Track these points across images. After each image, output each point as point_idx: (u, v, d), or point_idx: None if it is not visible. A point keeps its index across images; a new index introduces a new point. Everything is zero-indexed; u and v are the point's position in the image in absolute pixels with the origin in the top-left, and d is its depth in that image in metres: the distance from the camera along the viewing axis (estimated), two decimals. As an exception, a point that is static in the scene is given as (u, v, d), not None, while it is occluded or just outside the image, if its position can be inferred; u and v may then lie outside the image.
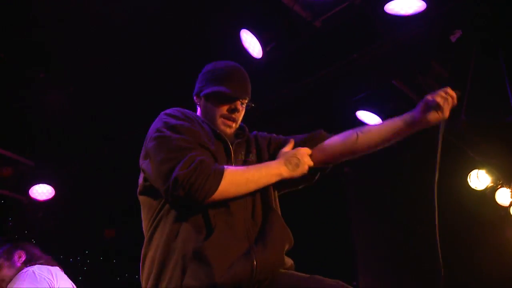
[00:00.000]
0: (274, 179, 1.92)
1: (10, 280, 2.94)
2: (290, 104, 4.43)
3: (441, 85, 4.27)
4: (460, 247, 4.85)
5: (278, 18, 3.85)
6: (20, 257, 3.06)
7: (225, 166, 1.83)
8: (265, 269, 1.79)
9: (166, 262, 1.79)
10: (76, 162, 5.37)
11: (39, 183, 5.33)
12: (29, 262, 3.01)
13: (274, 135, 2.25)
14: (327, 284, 1.78)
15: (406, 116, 2.08)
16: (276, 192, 2.07)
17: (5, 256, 3.06)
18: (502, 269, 4.68)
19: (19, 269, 2.96)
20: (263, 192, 1.95)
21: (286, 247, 1.93)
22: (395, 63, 4.07)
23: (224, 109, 2.04)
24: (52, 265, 3.03)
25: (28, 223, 5.52)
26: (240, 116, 2.09)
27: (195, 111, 2.16)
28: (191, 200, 1.74)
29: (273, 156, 2.08)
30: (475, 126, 3.46)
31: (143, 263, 1.90)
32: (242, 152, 2.06)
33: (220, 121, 2.04)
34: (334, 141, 2.15)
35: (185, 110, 2.04)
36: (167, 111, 2.01)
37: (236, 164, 1.97)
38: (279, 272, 1.86)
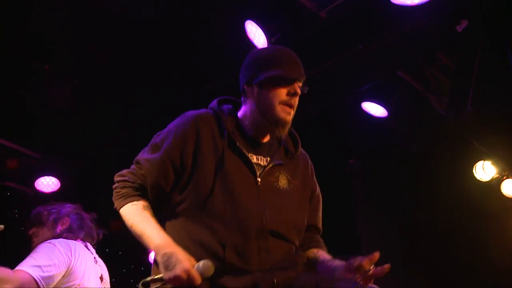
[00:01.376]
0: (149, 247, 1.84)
1: (44, 240, 2.95)
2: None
3: (447, 76, 4.27)
4: (465, 239, 4.84)
5: (283, 9, 3.83)
6: (63, 224, 3.08)
7: (132, 203, 1.88)
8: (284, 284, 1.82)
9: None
10: (81, 154, 5.38)
11: (44, 175, 5.36)
12: (68, 232, 3.02)
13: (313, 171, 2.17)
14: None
15: (336, 268, 1.96)
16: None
17: (55, 215, 3.09)
18: (507, 259, 4.67)
19: (59, 236, 2.98)
20: (288, 219, 1.95)
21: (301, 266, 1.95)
22: (400, 54, 4.04)
23: (282, 94, 1.91)
24: (84, 240, 3.06)
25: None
26: (297, 102, 1.96)
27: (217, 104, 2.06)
28: None
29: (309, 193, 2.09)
30: (481, 117, 3.44)
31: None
32: (276, 174, 1.97)
33: (279, 108, 1.91)
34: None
35: (203, 122, 1.94)
36: (179, 119, 1.98)
37: (263, 182, 1.91)
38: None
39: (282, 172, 1.98)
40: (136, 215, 1.86)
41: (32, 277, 2.63)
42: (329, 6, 3.76)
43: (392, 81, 4.48)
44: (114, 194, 1.95)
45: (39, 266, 2.67)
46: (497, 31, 3.49)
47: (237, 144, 1.91)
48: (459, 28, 3.49)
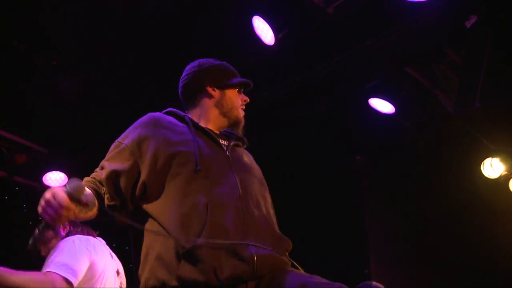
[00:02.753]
0: None
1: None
2: (302, 91, 4.41)
3: (455, 72, 4.25)
4: (473, 236, 4.82)
5: (290, 4, 3.82)
6: (64, 227, 3.09)
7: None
8: (265, 263, 1.80)
9: (158, 256, 1.82)
10: (89, 150, 5.40)
11: (52, 170, 5.38)
12: (74, 231, 3.04)
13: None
14: (328, 284, 1.76)
15: None
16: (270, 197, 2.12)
17: (51, 227, 3.10)
18: (515, 257, 4.66)
19: (63, 238, 2.99)
20: (258, 190, 2.02)
21: (285, 249, 1.95)
22: (408, 49, 4.03)
23: (241, 98, 2.26)
24: (92, 235, 3.08)
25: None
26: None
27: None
28: None
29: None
30: (489, 113, 3.42)
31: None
32: (240, 152, 2.15)
33: (240, 110, 2.23)
34: None
35: (158, 116, 2.10)
36: (139, 119, 2.11)
37: (232, 156, 2.05)
38: (280, 269, 1.86)
39: (242, 152, 2.18)
40: None
41: (62, 276, 2.64)
42: (337, 1, 3.75)
43: (399, 77, 4.46)
44: None
45: (65, 265, 2.68)
46: (506, 27, 3.46)
47: (200, 125, 2.10)
48: (467, 24, 3.47)
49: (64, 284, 2.64)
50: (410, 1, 3.52)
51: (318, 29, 3.91)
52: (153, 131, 1.99)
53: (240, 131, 2.22)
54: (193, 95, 2.23)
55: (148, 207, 1.91)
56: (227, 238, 1.79)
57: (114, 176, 1.94)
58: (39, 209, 1.76)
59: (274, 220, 2.07)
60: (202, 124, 2.13)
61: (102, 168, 1.98)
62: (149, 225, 1.90)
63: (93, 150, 5.37)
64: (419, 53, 4.06)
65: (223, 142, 2.10)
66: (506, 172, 4.95)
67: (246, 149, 2.27)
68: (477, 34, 3.49)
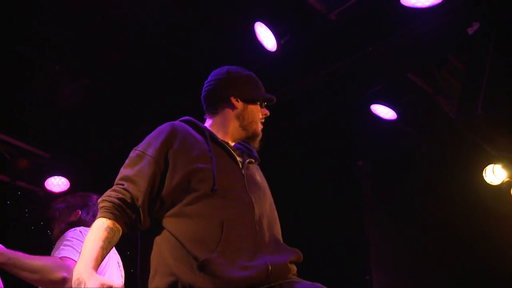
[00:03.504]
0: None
1: (60, 233, 2.99)
2: (304, 97, 4.41)
3: (457, 79, 4.24)
4: (475, 242, 4.80)
5: (293, 10, 3.83)
6: (75, 216, 3.11)
7: (103, 219, 1.84)
8: (278, 273, 1.84)
9: (168, 269, 1.81)
10: (91, 155, 5.40)
11: (54, 175, 5.39)
12: (77, 223, 3.05)
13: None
14: None
15: None
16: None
17: (64, 209, 3.13)
18: (517, 264, 4.64)
19: (69, 225, 3.01)
20: (269, 210, 2.05)
21: (293, 260, 1.98)
22: (410, 56, 4.02)
23: (262, 112, 2.26)
24: None
25: (43, 214, 5.58)
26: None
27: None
28: None
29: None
30: (492, 120, 3.41)
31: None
32: (254, 170, 2.16)
33: (259, 124, 2.23)
34: None
35: (179, 127, 2.06)
36: (155, 130, 2.08)
37: (247, 174, 2.05)
38: (287, 279, 1.89)
39: (255, 170, 2.18)
40: (94, 231, 1.83)
41: (76, 262, 2.64)
42: (339, 8, 3.75)
43: (401, 84, 4.46)
44: (100, 204, 1.90)
45: (77, 251, 2.67)
46: (509, 34, 3.46)
47: (219, 139, 2.09)
48: (470, 31, 3.46)
49: None
50: (412, 8, 3.52)
51: (320, 36, 3.92)
52: (174, 143, 1.97)
53: (256, 145, 2.24)
54: (216, 102, 2.22)
55: (163, 221, 1.88)
56: (240, 254, 1.81)
57: (149, 187, 1.88)
58: None
59: (281, 240, 2.09)
60: (220, 135, 2.13)
61: (131, 183, 1.88)
62: (161, 237, 1.88)
63: (95, 155, 5.38)
64: (422, 60, 4.06)
65: (239, 159, 2.10)
66: (508, 179, 4.93)
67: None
68: (480, 40, 3.49)
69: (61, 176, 5.40)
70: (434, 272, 4.97)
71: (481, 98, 3.40)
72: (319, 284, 1.85)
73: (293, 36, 3.85)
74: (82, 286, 1.64)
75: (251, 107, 2.21)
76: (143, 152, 1.95)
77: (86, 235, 2.81)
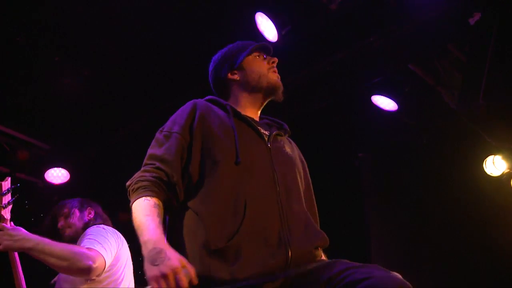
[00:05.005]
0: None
1: (76, 230, 3.01)
2: (305, 88, 4.40)
3: (459, 70, 4.23)
4: (474, 233, 4.81)
5: (293, 1, 3.81)
6: (89, 213, 3.13)
7: (145, 197, 1.78)
8: (299, 260, 1.77)
9: (189, 250, 1.78)
10: (91, 146, 5.40)
11: (54, 167, 5.39)
12: (95, 220, 3.08)
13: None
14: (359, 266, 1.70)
15: None
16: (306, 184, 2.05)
17: (78, 206, 3.14)
18: (517, 255, 4.65)
19: (87, 225, 3.02)
20: (297, 185, 1.97)
21: (318, 245, 1.90)
22: (411, 46, 4.01)
23: (265, 64, 2.12)
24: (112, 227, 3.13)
25: (43, 206, 5.58)
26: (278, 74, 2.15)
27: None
28: None
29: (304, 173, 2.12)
30: (493, 110, 3.40)
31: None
32: (281, 142, 2.06)
33: (269, 73, 2.10)
34: None
35: (201, 103, 2.02)
36: (178, 110, 2.03)
37: (273, 147, 1.97)
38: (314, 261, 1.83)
39: (284, 142, 2.08)
40: (143, 209, 1.76)
41: (101, 254, 2.66)
42: (340, -2, 3.73)
43: (402, 74, 4.44)
44: (129, 190, 1.85)
45: (101, 244, 2.70)
46: (510, 24, 3.44)
47: (242, 113, 2.02)
48: (471, 21, 3.45)
49: (102, 261, 2.66)
50: (414, -3, 3.51)
51: (321, 26, 3.90)
52: (198, 119, 1.93)
53: (280, 96, 2.11)
54: (222, 89, 2.17)
55: (188, 201, 1.84)
56: (263, 235, 1.75)
57: (179, 164, 1.85)
58: (149, 274, 1.57)
59: (315, 214, 2.05)
60: (242, 112, 2.04)
61: (163, 162, 1.84)
62: (186, 219, 1.83)
63: (95, 146, 5.37)
64: (423, 50, 4.04)
65: (264, 132, 2.02)
66: (508, 170, 4.93)
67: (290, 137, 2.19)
68: (481, 31, 3.47)
69: (61, 167, 5.39)
70: (434, 262, 4.99)
71: (482, 88, 3.39)
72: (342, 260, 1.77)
73: (294, 26, 3.83)
74: (163, 255, 1.57)
75: (249, 66, 2.10)
76: (169, 131, 1.92)
77: (108, 232, 2.85)
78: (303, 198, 1.98)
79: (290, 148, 2.09)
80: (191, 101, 2.03)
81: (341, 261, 1.75)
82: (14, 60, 4.19)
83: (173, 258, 1.57)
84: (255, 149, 1.93)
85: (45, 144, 5.44)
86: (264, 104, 2.15)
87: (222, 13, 3.88)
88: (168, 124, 1.97)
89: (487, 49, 3.41)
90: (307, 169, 2.18)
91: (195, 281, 1.56)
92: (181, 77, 4.30)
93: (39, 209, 5.47)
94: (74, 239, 2.94)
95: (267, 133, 2.02)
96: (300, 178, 2.04)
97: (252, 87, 2.09)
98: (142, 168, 1.88)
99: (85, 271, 2.57)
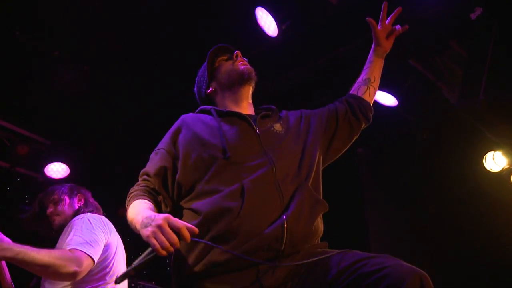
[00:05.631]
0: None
1: (66, 218, 2.98)
2: (305, 82, 4.39)
3: (459, 65, 4.22)
4: (474, 229, 4.82)
5: (294, -5, 3.80)
6: (80, 200, 3.11)
7: (140, 200, 1.90)
8: (295, 233, 1.80)
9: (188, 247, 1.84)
10: (90, 141, 5.39)
11: (54, 162, 5.38)
12: (85, 207, 3.05)
13: (304, 110, 2.31)
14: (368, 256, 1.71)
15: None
16: (314, 165, 2.07)
17: (68, 193, 3.11)
18: (517, 251, 4.66)
19: (77, 212, 3.00)
20: (295, 160, 2.00)
21: (318, 213, 1.95)
22: (412, 42, 3.99)
23: (230, 62, 2.24)
24: (101, 215, 3.09)
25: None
26: (245, 61, 2.26)
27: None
28: None
29: (306, 130, 2.16)
30: (493, 106, 3.40)
31: None
32: (268, 124, 2.12)
33: (235, 66, 2.21)
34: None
35: (188, 117, 2.14)
36: (173, 125, 2.15)
37: (262, 132, 2.04)
38: (315, 251, 1.85)
39: (272, 122, 2.14)
40: (135, 205, 1.88)
41: (87, 254, 2.63)
42: (341, -7, 3.72)
43: (403, 70, 4.43)
44: (126, 205, 1.97)
45: (87, 243, 2.67)
46: (511, 19, 3.43)
47: (224, 110, 2.11)
48: (472, 16, 3.44)
49: (90, 261, 2.63)
50: (415, -7, 3.49)
51: (321, 21, 3.89)
52: (183, 132, 2.05)
53: (252, 81, 2.21)
54: (210, 104, 2.26)
55: (186, 202, 1.94)
56: (262, 217, 1.80)
57: (160, 175, 1.98)
58: (144, 233, 1.66)
59: (316, 179, 2.06)
60: (227, 107, 2.16)
61: (148, 176, 2.00)
62: (185, 219, 1.90)
63: (95, 141, 5.37)
64: (423, 46, 4.03)
65: (250, 116, 2.10)
66: (508, 166, 4.93)
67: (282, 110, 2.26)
68: (482, 26, 3.46)
69: (61, 162, 5.39)
70: (434, 258, 4.99)
71: (483, 84, 3.38)
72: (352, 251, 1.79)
73: (294, 21, 3.83)
74: (152, 218, 1.67)
75: (218, 72, 2.24)
76: (158, 149, 2.07)
77: (95, 223, 2.82)
78: (304, 170, 2.00)
79: (282, 123, 2.15)
80: (180, 118, 2.15)
81: (354, 251, 1.76)
82: (14, 55, 4.18)
83: (159, 217, 1.65)
84: (244, 139, 1.99)
85: (45, 139, 5.43)
86: (249, 94, 2.24)
87: (222, 8, 3.87)
88: (159, 143, 2.11)
89: (488, 45, 3.40)
90: (314, 116, 2.24)
91: (186, 232, 1.62)
92: (181, 73, 4.28)
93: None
94: (63, 227, 2.91)
95: (254, 118, 2.10)
96: (300, 143, 2.08)
97: (227, 85, 2.20)
98: (136, 184, 2.03)
99: (71, 276, 2.55)
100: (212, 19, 3.90)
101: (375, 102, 4.69)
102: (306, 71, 4.30)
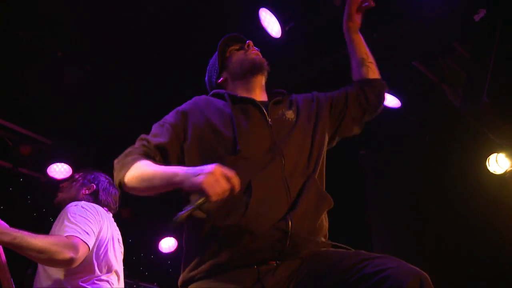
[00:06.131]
0: (169, 183, 1.77)
1: (65, 199, 3.00)
2: (308, 84, 4.37)
3: (463, 67, 4.21)
4: (477, 231, 4.80)
5: (297, -4, 3.80)
6: (88, 189, 3.11)
7: (139, 162, 1.86)
8: (300, 231, 1.79)
9: (196, 238, 1.86)
10: (93, 141, 5.40)
11: (56, 162, 5.39)
12: (88, 196, 3.06)
13: (316, 92, 2.31)
14: (373, 256, 1.71)
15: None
16: (322, 151, 2.07)
17: (86, 179, 3.14)
18: (519, 253, 4.64)
19: (77, 197, 3.01)
20: (304, 149, 1.99)
21: (323, 211, 1.95)
22: (415, 43, 3.99)
23: (242, 52, 2.22)
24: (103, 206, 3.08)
25: (45, 201, 5.58)
26: (258, 51, 2.24)
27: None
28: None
29: (319, 113, 2.15)
30: (497, 108, 3.39)
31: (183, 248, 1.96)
32: (280, 111, 2.10)
33: (248, 54, 2.20)
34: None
35: (200, 98, 2.12)
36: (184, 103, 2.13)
37: (274, 121, 2.02)
38: (317, 251, 1.85)
39: (284, 108, 2.11)
40: (146, 166, 1.84)
41: (83, 240, 2.62)
42: (344, -6, 3.71)
43: (406, 72, 4.42)
44: (116, 166, 1.93)
45: (82, 229, 2.66)
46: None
47: (238, 96, 2.09)
48: (476, 17, 3.43)
49: (85, 247, 2.62)
50: (418, -6, 3.49)
51: (325, 22, 3.88)
52: (195, 114, 2.01)
53: (265, 70, 2.19)
54: (217, 86, 2.25)
55: (186, 195, 1.89)
56: (269, 213, 1.79)
57: (161, 149, 1.93)
58: (194, 181, 1.63)
59: (322, 168, 2.05)
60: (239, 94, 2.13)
61: (148, 142, 1.95)
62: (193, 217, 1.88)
63: (97, 141, 5.37)
64: (427, 47, 4.02)
65: (262, 103, 2.07)
66: (511, 168, 4.91)
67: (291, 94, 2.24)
68: (486, 27, 3.45)
69: (64, 162, 5.40)
70: (437, 260, 4.98)
71: (486, 86, 3.37)
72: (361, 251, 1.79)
73: (297, 22, 3.82)
74: (200, 168, 1.66)
75: (230, 61, 2.22)
76: (164, 122, 2.02)
77: (89, 210, 2.81)
78: (313, 161, 1.99)
79: (293, 109, 2.12)
80: (192, 99, 2.12)
81: (357, 251, 1.77)
82: (17, 55, 4.19)
83: (211, 166, 1.64)
84: (256, 131, 1.97)
85: (48, 139, 5.44)
86: (262, 83, 2.22)
87: (226, 9, 3.87)
88: (166, 116, 2.07)
89: (492, 46, 3.39)
90: (323, 99, 2.23)
91: (237, 180, 1.64)
92: (184, 73, 4.29)
93: (42, 204, 5.48)
94: (61, 206, 2.91)
95: (266, 104, 2.08)
96: (310, 131, 2.06)
97: (239, 74, 2.18)
98: (131, 146, 1.98)
99: (67, 263, 2.53)
100: (216, 19, 3.90)
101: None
102: (310, 72, 4.30)
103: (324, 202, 1.95)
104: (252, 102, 2.06)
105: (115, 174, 1.93)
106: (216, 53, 2.28)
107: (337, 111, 2.22)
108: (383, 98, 2.36)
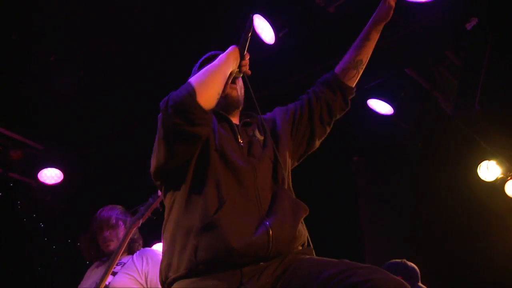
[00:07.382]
0: (226, 65, 2.02)
1: (118, 243, 3.01)
2: (302, 91, 4.38)
3: (455, 75, 4.23)
4: (468, 238, 4.82)
5: (291, 3, 3.80)
6: (122, 230, 3.16)
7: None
8: (281, 239, 1.82)
9: (175, 239, 1.87)
10: (84, 147, 5.37)
11: (47, 167, 5.35)
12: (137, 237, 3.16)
13: (278, 108, 2.36)
14: (359, 266, 1.71)
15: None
16: (287, 169, 2.11)
17: (123, 219, 3.19)
18: (510, 260, 4.66)
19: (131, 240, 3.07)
20: (272, 166, 2.04)
21: (301, 218, 1.97)
22: (408, 51, 4.01)
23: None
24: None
25: (36, 207, 5.54)
26: (239, 86, 2.21)
27: None
28: (184, 112, 1.88)
29: (281, 130, 2.18)
30: (488, 115, 3.41)
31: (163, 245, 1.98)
32: (251, 132, 2.14)
33: (228, 90, 2.11)
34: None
35: None
36: None
37: (245, 143, 2.07)
38: (301, 257, 1.86)
39: (253, 130, 2.15)
40: (200, 73, 2.01)
41: None
42: (338, 1, 3.73)
43: (399, 79, 4.44)
44: (177, 94, 1.99)
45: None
46: (507, 29, 3.45)
47: (219, 111, 2.12)
48: (468, 26, 3.46)
49: None
50: (411, 2, 3.50)
51: (318, 29, 3.90)
52: None
53: (240, 106, 2.20)
54: None
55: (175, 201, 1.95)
56: (243, 219, 1.82)
57: None
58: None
59: (288, 180, 2.09)
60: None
61: None
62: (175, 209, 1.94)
63: (89, 147, 5.34)
64: (419, 55, 4.05)
65: (235, 125, 2.12)
66: (502, 176, 4.94)
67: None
68: (478, 36, 3.48)
69: (55, 168, 5.35)
70: (428, 267, 4.98)
71: (478, 94, 3.40)
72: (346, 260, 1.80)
73: (291, 29, 3.83)
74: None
75: None
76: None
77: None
78: (282, 176, 2.04)
79: (262, 129, 2.16)
80: None
81: (343, 261, 1.77)
82: (9, 59, 4.16)
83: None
84: (231, 143, 2.03)
85: (39, 144, 5.40)
86: (238, 111, 2.22)
87: (219, 15, 3.87)
88: None
89: (484, 54, 3.42)
90: (287, 115, 2.26)
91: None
92: (178, 79, 4.28)
93: (32, 210, 5.44)
94: (112, 253, 2.98)
95: (238, 126, 2.12)
96: (274, 147, 2.10)
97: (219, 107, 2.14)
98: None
99: None
100: (209, 26, 3.90)
101: (370, 111, 4.71)
102: (304, 79, 4.30)
103: (299, 208, 1.98)
104: (229, 122, 2.11)
105: (177, 97, 1.97)
106: (195, 68, 2.31)
107: (303, 120, 2.26)
108: (348, 107, 2.41)
